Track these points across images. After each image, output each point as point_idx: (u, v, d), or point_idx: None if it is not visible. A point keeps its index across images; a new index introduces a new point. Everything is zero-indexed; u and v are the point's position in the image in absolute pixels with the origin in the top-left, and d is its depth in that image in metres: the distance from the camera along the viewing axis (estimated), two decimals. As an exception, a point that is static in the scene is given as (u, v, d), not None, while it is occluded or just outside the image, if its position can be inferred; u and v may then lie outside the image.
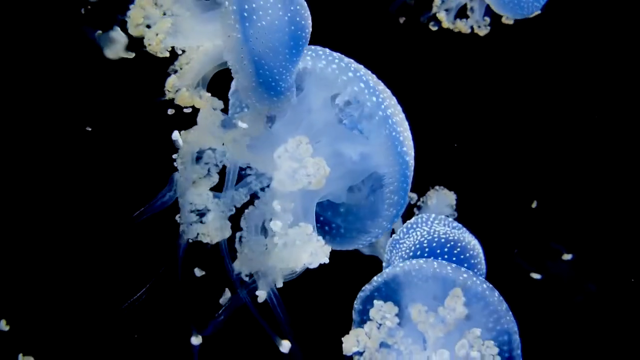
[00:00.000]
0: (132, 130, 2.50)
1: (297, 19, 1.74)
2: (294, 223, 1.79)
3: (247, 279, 1.83)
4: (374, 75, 1.93)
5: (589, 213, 2.88)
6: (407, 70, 2.77)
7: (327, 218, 2.06)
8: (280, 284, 1.81)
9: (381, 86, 1.93)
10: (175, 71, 1.76)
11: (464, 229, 2.36)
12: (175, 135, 1.82)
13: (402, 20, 2.76)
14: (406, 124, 1.95)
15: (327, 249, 1.80)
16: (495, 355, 1.75)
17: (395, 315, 1.80)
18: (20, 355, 2.40)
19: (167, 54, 1.75)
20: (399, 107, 1.95)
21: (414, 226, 2.13)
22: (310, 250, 1.78)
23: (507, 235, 2.90)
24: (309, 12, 1.77)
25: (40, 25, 2.49)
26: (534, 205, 2.86)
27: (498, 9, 2.57)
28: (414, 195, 2.61)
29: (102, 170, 2.55)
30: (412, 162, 1.94)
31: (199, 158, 1.82)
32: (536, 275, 2.80)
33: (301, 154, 1.74)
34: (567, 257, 2.86)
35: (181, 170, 1.81)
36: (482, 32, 2.63)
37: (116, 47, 1.93)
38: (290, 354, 1.86)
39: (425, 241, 2.03)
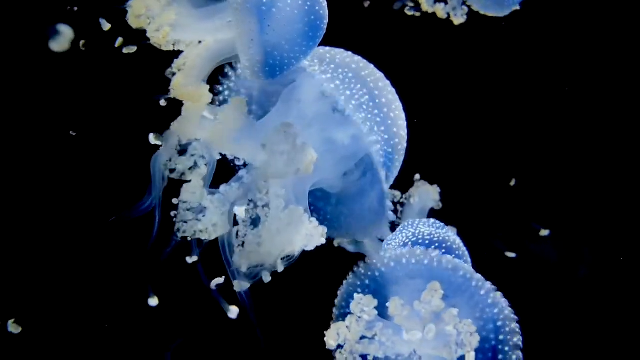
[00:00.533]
0: (124, 129, 2.47)
1: (317, 8, 1.73)
2: (286, 208, 1.80)
3: (246, 272, 1.84)
4: (364, 61, 1.95)
5: (572, 191, 2.90)
6: (376, 56, 2.77)
7: (318, 207, 2.11)
8: (281, 269, 1.82)
9: (368, 70, 1.94)
10: (173, 74, 1.75)
11: (448, 228, 2.39)
12: (152, 138, 1.82)
13: (366, 4, 2.73)
14: (395, 105, 1.96)
15: (322, 229, 1.81)
16: (474, 332, 1.79)
17: (374, 308, 1.83)
18: (10, 322, 2.38)
19: (172, 48, 1.73)
20: (388, 89, 1.96)
21: (401, 229, 2.19)
22: (304, 232, 1.79)
23: (488, 219, 2.92)
24: (326, 1, 1.76)
25: (28, 24, 2.46)
26: (512, 183, 2.87)
27: (478, 8, 2.58)
28: (398, 193, 2.62)
29: (94, 171, 2.54)
30: (401, 144, 1.96)
31: (184, 151, 1.82)
32: (511, 254, 2.81)
33: (288, 141, 1.75)
34: (544, 232, 2.87)
35: (165, 162, 1.81)
36: (458, 20, 2.60)
37: (62, 40, 1.93)
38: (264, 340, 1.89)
39: (410, 243, 2.08)
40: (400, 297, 1.89)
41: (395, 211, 2.53)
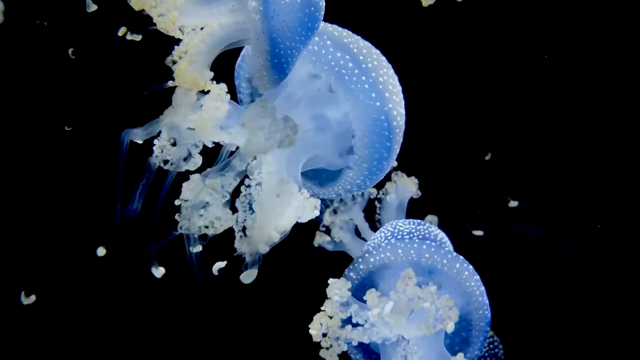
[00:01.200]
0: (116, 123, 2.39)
1: None
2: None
3: (249, 258, 1.86)
4: (347, 31, 1.96)
5: (549, 165, 2.92)
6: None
7: (322, 182, 2.13)
8: (276, 240, 1.83)
9: (351, 38, 1.95)
10: (174, 62, 1.74)
11: (428, 221, 2.43)
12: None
13: None
14: (384, 70, 1.96)
15: (315, 201, 1.83)
16: (452, 307, 1.85)
17: (348, 290, 1.88)
18: (23, 294, 2.40)
19: (179, 33, 1.72)
20: (374, 56, 1.97)
21: (381, 230, 2.22)
22: (295, 204, 1.81)
23: (468, 202, 2.94)
24: None
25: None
26: (487, 157, 2.90)
27: None
28: (374, 191, 2.61)
29: (89, 166, 2.56)
30: (396, 109, 1.95)
31: (174, 143, 1.82)
32: (478, 232, 2.84)
33: (266, 114, 1.78)
34: (513, 204, 2.90)
35: (158, 154, 1.81)
36: (426, 1, 2.57)
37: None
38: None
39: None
40: (390, 281, 1.96)
41: (374, 208, 2.62)
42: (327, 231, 2.54)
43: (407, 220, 2.23)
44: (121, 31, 1.81)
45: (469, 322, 2.04)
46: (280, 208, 1.82)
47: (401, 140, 2.05)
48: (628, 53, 2.84)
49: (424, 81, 2.83)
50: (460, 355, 1.88)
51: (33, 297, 2.40)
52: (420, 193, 2.66)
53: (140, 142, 1.83)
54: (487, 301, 2.02)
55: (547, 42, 2.88)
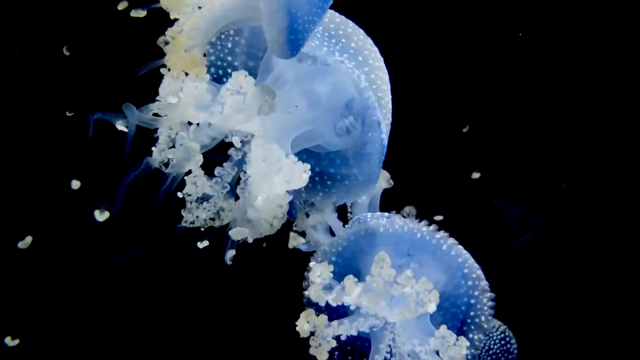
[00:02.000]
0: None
1: None
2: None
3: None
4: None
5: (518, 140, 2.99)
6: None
7: (323, 169, 2.18)
8: (259, 204, 1.86)
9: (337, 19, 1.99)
10: (167, 42, 1.74)
11: (400, 217, 2.47)
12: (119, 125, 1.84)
13: None
14: (358, 37, 2.01)
15: (305, 166, 1.86)
16: (431, 289, 1.89)
17: (329, 272, 1.93)
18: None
19: (183, 12, 1.72)
20: (349, 24, 2.01)
21: (349, 225, 2.28)
22: (284, 168, 1.84)
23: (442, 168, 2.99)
24: None
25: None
26: (465, 129, 2.95)
27: None
28: None
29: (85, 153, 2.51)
30: (380, 78, 1.99)
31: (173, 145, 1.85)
32: (438, 217, 2.85)
33: (242, 86, 1.80)
34: (475, 175, 2.96)
35: (157, 154, 1.84)
36: None
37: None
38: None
39: None
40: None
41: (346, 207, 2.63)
42: (301, 233, 2.56)
43: (378, 213, 2.28)
44: (121, 5, 1.82)
45: (456, 297, 2.09)
46: (268, 175, 1.83)
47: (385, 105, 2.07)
48: (601, 33, 2.92)
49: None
50: (443, 327, 1.92)
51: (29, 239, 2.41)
52: (392, 183, 2.66)
53: (125, 129, 1.84)
54: (471, 273, 2.05)
55: (521, 21, 2.93)
